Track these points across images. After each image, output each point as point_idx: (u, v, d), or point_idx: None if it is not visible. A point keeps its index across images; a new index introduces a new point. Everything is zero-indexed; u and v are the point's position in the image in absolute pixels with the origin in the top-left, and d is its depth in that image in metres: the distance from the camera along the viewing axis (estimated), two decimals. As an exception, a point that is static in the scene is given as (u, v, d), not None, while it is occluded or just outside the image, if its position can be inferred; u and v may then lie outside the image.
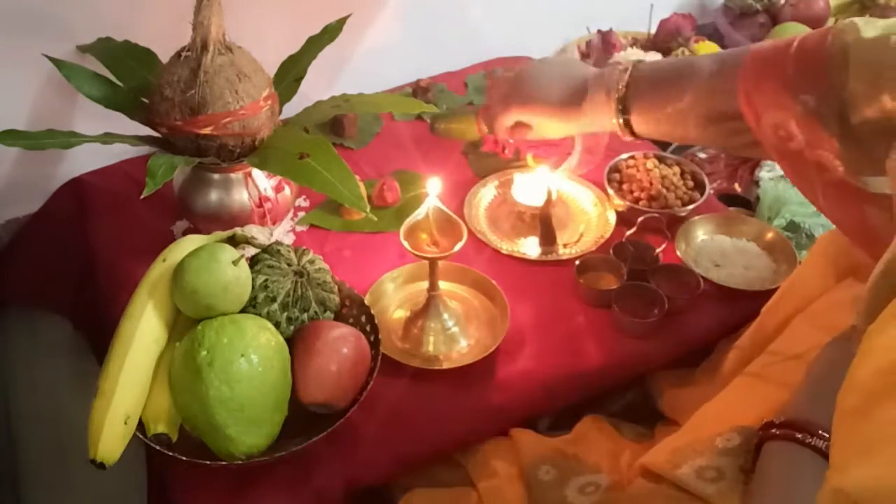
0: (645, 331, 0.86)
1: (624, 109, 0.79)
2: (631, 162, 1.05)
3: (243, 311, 0.74)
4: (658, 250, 0.94)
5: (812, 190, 0.65)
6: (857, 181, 0.60)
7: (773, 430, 0.59)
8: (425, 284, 0.85)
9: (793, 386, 0.64)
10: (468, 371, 0.82)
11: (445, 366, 0.83)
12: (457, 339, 0.85)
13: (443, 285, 0.88)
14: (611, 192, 1.02)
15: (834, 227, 1.01)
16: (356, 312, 0.82)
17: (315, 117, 0.94)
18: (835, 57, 0.59)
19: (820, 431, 0.56)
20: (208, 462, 0.67)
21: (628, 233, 0.96)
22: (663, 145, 1.20)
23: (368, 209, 0.79)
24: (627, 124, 0.80)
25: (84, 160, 1.07)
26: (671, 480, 0.65)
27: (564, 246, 0.98)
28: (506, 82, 0.90)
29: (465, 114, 1.10)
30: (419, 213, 0.79)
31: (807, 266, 0.80)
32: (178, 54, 0.86)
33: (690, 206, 0.99)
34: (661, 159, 1.05)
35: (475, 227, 1.00)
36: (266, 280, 0.75)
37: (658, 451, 0.69)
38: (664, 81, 0.77)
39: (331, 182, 0.79)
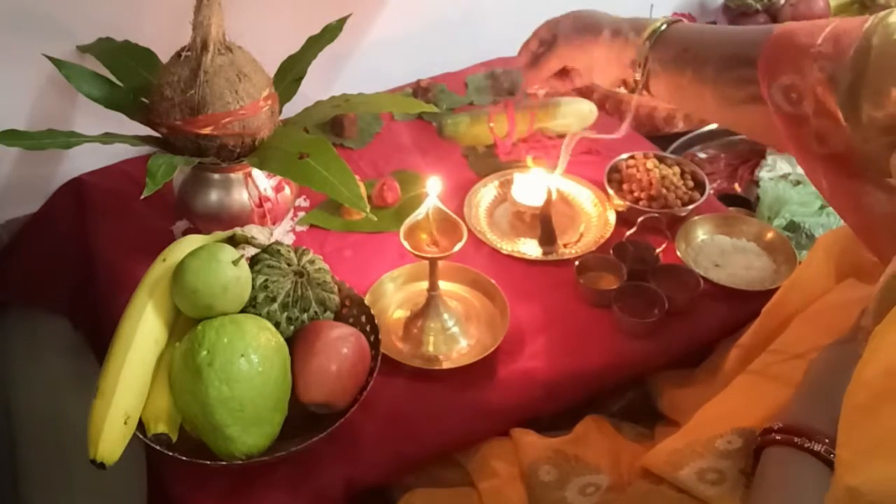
0: (645, 331, 0.86)
1: (647, 50, 0.80)
2: (631, 162, 1.05)
3: (243, 311, 0.74)
4: (658, 250, 0.94)
5: (813, 168, 0.66)
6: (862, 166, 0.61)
7: (772, 436, 0.59)
8: (425, 284, 0.85)
9: (794, 386, 0.64)
10: (468, 371, 0.82)
11: (445, 366, 0.83)
12: (457, 339, 0.85)
13: (443, 285, 0.88)
14: (611, 192, 1.02)
15: (835, 227, 1.02)
16: (356, 312, 0.82)
17: (315, 117, 0.94)
18: (866, 38, 0.60)
19: (819, 436, 0.56)
20: (208, 462, 0.67)
21: (628, 233, 0.96)
22: (664, 145, 1.20)
23: (368, 209, 0.79)
24: (644, 69, 0.81)
25: (84, 160, 1.07)
26: (672, 482, 0.65)
27: (564, 246, 0.98)
28: (549, 28, 0.91)
29: (474, 117, 1.11)
30: (419, 213, 0.79)
31: (808, 266, 0.80)
32: (178, 54, 0.86)
33: (690, 206, 0.99)
34: (661, 159, 1.05)
35: (475, 227, 1.00)
36: (266, 280, 0.75)
37: (658, 452, 0.69)
38: (695, 28, 0.80)
39: (331, 182, 0.79)
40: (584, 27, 0.86)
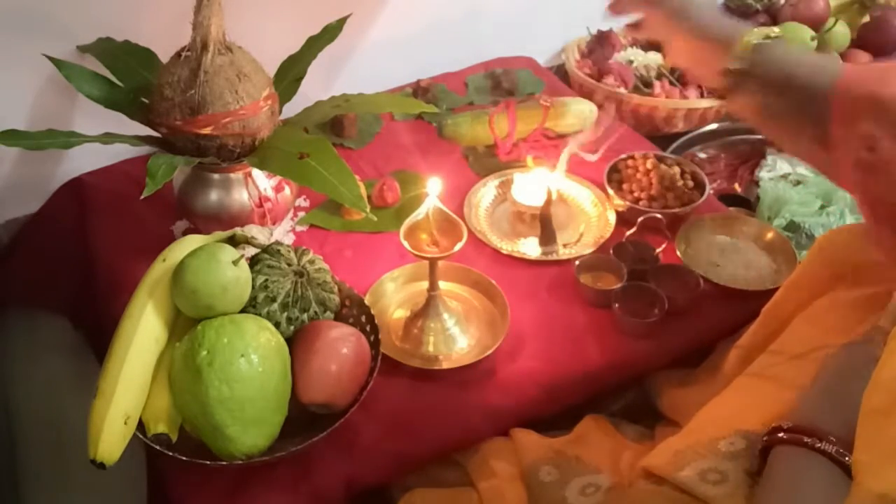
0: (645, 331, 0.86)
1: None
2: (631, 162, 1.05)
3: (243, 311, 0.74)
4: (658, 250, 0.94)
5: (876, 214, 0.64)
6: None
7: (781, 435, 0.59)
8: (425, 284, 0.85)
9: (795, 386, 0.64)
10: (468, 371, 0.82)
11: (445, 366, 0.83)
12: (457, 339, 0.85)
13: (443, 285, 0.88)
14: (611, 192, 1.02)
15: (835, 227, 1.02)
16: (356, 312, 0.82)
17: (315, 117, 0.94)
18: None
19: (829, 437, 0.56)
20: (208, 462, 0.67)
21: (628, 233, 0.96)
22: (664, 145, 1.20)
23: (368, 209, 0.79)
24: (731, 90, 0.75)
25: (84, 160, 1.07)
26: (673, 483, 0.65)
27: (564, 246, 0.98)
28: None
29: (474, 117, 1.11)
30: (419, 213, 0.79)
31: (807, 266, 0.80)
32: (178, 54, 0.86)
33: (690, 206, 0.99)
34: (661, 159, 1.05)
35: (475, 227, 1.00)
36: (266, 280, 0.75)
37: (659, 452, 0.69)
38: (782, 57, 0.74)
39: (331, 182, 0.79)
40: (671, 10, 0.80)
